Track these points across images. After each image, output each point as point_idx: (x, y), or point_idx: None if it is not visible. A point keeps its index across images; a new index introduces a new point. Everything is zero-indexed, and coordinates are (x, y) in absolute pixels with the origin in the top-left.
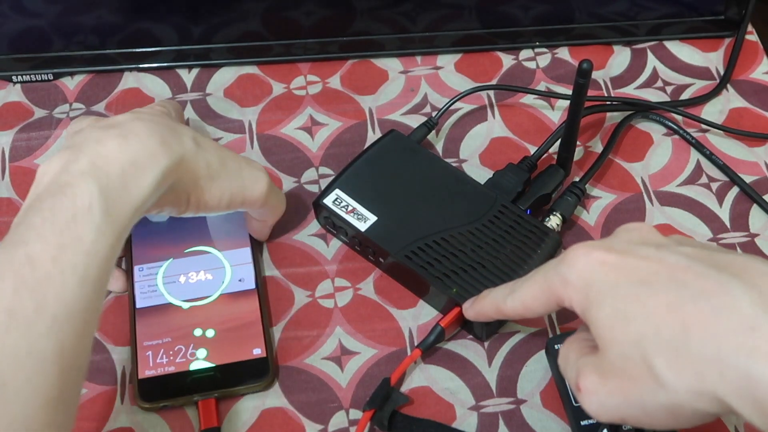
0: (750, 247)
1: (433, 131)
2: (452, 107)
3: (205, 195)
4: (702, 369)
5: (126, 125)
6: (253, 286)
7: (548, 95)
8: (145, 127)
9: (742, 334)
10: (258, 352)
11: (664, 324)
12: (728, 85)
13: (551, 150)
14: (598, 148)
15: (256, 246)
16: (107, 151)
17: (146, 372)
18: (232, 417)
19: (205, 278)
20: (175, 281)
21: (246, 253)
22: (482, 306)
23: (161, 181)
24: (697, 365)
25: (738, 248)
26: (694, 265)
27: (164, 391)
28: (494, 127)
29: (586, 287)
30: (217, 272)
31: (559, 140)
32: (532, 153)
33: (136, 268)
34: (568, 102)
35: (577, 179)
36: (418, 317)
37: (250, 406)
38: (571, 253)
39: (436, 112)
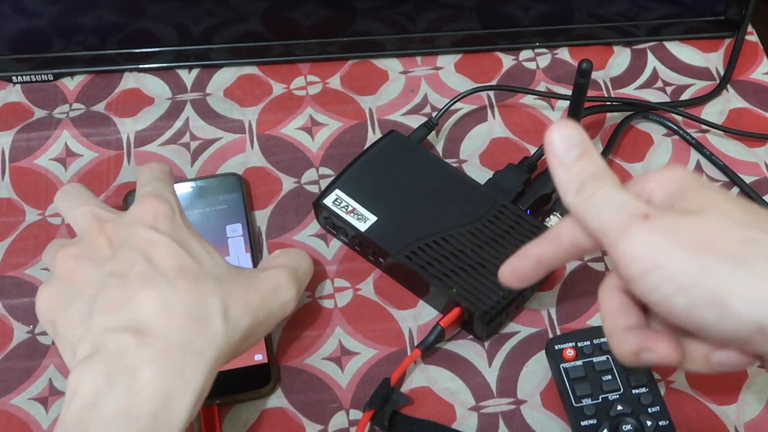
0: None
1: (433, 131)
2: (452, 107)
3: (240, 351)
4: None
5: (147, 322)
6: None
7: (548, 95)
8: (171, 334)
9: None
10: (259, 357)
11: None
12: (728, 86)
13: None
14: (598, 148)
15: (256, 250)
16: (136, 385)
17: None
18: (233, 417)
19: None
20: None
21: (246, 259)
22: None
23: (197, 401)
24: None
25: None
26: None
27: None
28: (494, 127)
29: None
30: None
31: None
32: (532, 153)
33: None
34: (568, 102)
35: None
36: (418, 317)
37: (250, 407)
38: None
39: (436, 113)
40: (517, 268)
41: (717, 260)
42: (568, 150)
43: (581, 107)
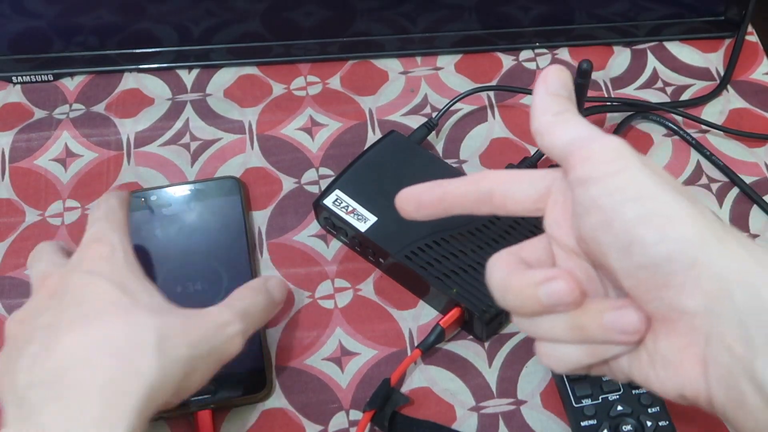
0: None
1: (433, 132)
2: (452, 108)
3: (184, 389)
4: None
5: (66, 369)
6: None
7: None
8: (90, 376)
9: None
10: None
11: None
12: (728, 86)
13: None
14: None
15: (254, 253)
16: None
17: None
18: (233, 418)
19: (202, 288)
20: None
21: (244, 263)
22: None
23: None
24: None
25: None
26: None
27: None
28: (494, 127)
29: None
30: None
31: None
32: (531, 153)
33: None
34: None
35: None
36: (418, 318)
37: (250, 407)
38: None
39: (436, 113)
40: (419, 194)
41: (677, 189)
42: (561, 87)
43: (581, 107)
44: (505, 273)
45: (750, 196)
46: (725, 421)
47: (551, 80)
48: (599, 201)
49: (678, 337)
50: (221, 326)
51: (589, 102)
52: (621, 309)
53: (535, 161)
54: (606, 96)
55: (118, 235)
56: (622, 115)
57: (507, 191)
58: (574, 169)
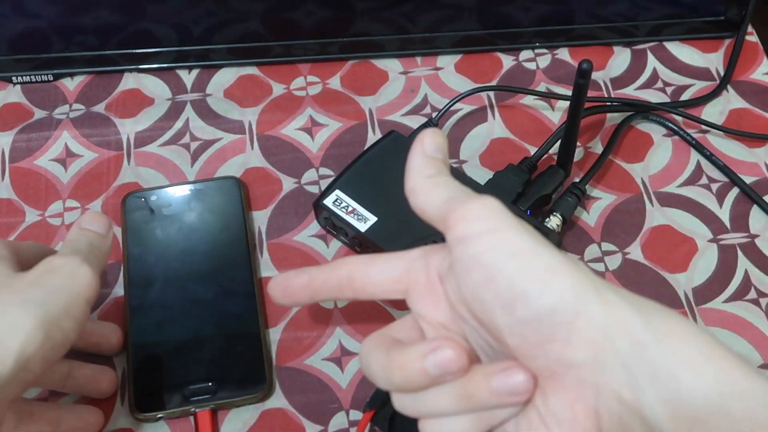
0: (750, 248)
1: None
2: (452, 108)
3: (57, 352)
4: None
5: None
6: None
7: (548, 96)
8: None
9: None
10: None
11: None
12: (728, 86)
13: (551, 151)
14: (598, 148)
15: (254, 253)
16: None
17: (143, 383)
18: (233, 418)
19: (202, 288)
20: (172, 292)
21: (245, 263)
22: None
23: None
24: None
25: (738, 249)
26: None
27: (160, 403)
28: (494, 127)
29: None
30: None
31: (559, 141)
32: (532, 154)
33: (131, 273)
34: (568, 103)
35: (577, 180)
36: None
37: (250, 407)
38: None
39: (437, 113)
40: (285, 280)
41: (552, 247)
42: (437, 150)
43: (581, 108)
44: (386, 352)
45: (750, 196)
46: None
47: (427, 143)
48: (479, 258)
49: (567, 392)
50: (72, 274)
51: (589, 102)
52: (508, 370)
53: (535, 162)
54: (606, 96)
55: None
56: (622, 115)
57: (365, 275)
58: (453, 229)
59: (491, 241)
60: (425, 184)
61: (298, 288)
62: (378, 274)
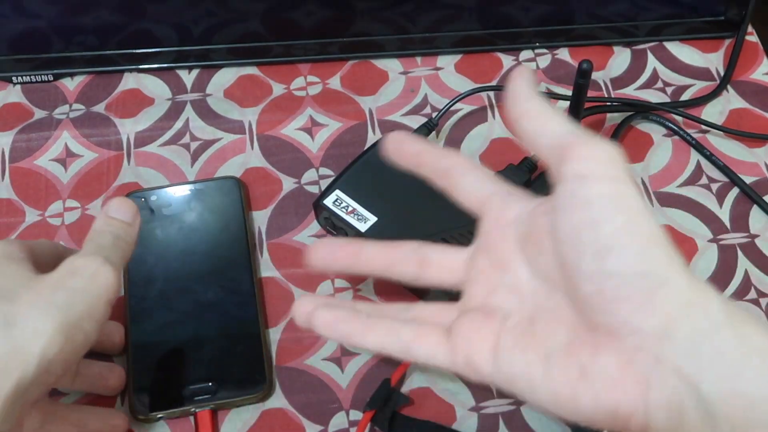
0: (750, 248)
1: (434, 132)
2: (452, 108)
3: (78, 353)
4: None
5: None
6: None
7: (549, 96)
8: None
9: None
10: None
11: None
12: (728, 86)
13: None
14: None
15: (254, 253)
16: None
17: (143, 383)
18: (233, 418)
19: (202, 288)
20: (172, 292)
21: (244, 264)
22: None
23: None
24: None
25: (738, 249)
26: None
27: (160, 403)
28: (494, 127)
29: None
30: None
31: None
32: (532, 154)
33: (131, 273)
34: (568, 103)
35: None
36: None
37: (250, 407)
38: None
39: (437, 113)
40: (404, 141)
41: (652, 211)
42: (534, 85)
43: (581, 108)
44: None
45: (750, 196)
46: None
47: (526, 75)
48: (592, 200)
49: (621, 354)
50: (93, 276)
51: (589, 102)
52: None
53: (535, 162)
54: (606, 96)
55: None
56: (622, 115)
57: (461, 176)
58: (573, 162)
59: (609, 189)
60: (544, 109)
61: (408, 152)
62: (468, 185)
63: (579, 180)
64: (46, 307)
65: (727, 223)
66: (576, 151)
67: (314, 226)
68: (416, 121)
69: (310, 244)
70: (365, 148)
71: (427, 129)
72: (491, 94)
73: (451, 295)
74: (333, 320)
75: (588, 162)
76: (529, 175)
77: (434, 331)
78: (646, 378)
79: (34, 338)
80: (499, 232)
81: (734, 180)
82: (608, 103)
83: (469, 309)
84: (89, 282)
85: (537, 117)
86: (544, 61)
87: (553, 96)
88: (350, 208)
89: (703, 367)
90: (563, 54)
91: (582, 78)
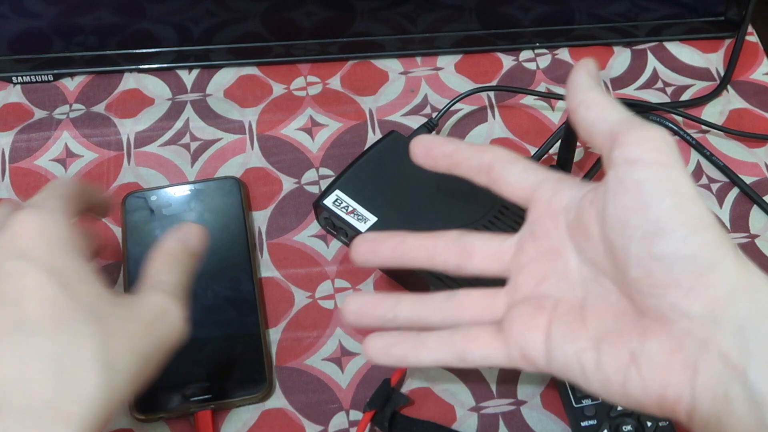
0: (750, 248)
1: (434, 132)
2: (452, 108)
3: (138, 388)
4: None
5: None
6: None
7: (549, 96)
8: (26, 400)
9: None
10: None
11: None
12: (728, 86)
13: (552, 151)
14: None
15: (254, 254)
16: None
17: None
18: (233, 418)
19: (202, 288)
20: None
21: (245, 264)
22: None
23: None
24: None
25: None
26: None
27: (160, 403)
28: (494, 128)
29: None
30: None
31: (559, 141)
32: (532, 154)
33: (131, 273)
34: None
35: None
36: None
37: (250, 407)
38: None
39: (437, 113)
40: (432, 143)
41: (701, 195)
42: (596, 75)
43: None
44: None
45: (750, 196)
46: (704, 429)
47: (590, 65)
48: (642, 184)
49: (670, 340)
50: (163, 314)
51: None
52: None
53: (535, 161)
54: None
55: (59, 201)
56: None
57: (504, 170)
58: (625, 148)
59: (659, 173)
60: (602, 99)
61: (440, 154)
62: (515, 176)
63: (628, 165)
64: (138, 358)
65: (728, 223)
66: (626, 137)
67: (314, 226)
68: (416, 121)
69: (354, 240)
70: (365, 148)
71: (427, 129)
72: (491, 94)
73: None
74: (384, 346)
75: (638, 147)
76: None
77: (484, 332)
78: (694, 363)
79: (124, 385)
80: (549, 219)
81: (734, 180)
82: None
83: (519, 300)
84: (170, 331)
85: (594, 106)
86: (544, 61)
87: (553, 96)
88: (350, 208)
89: (750, 353)
90: (563, 54)
91: None
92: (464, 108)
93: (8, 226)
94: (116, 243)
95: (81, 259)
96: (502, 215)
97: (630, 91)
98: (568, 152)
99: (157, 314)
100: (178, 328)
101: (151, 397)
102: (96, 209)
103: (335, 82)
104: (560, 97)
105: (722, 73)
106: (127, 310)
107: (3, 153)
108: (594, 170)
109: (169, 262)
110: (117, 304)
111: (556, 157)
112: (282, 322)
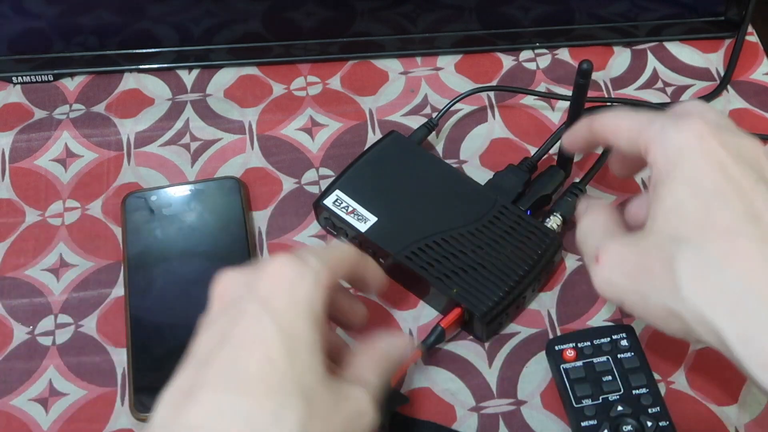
0: None
1: (434, 132)
2: (453, 108)
3: None
4: (717, 301)
5: None
6: None
7: (548, 96)
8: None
9: None
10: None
11: (711, 244)
12: (728, 86)
13: (552, 150)
14: (598, 150)
15: (254, 254)
16: None
17: (143, 383)
18: None
19: (202, 289)
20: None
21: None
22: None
23: None
24: (715, 296)
25: None
26: None
27: None
28: (494, 128)
29: (675, 162)
30: None
31: (559, 141)
32: (532, 153)
33: (131, 273)
34: (568, 103)
35: (577, 180)
36: (418, 318)
37: None
38: (687, 123)
39: (437, 113)
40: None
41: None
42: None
43: (581, 108)
44: None
45: None
46: None
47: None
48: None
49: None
50: (361, 415)
51: (589, 102)
52: None
53: (535, 162)
54: (606, 97)
55: (326, 264)
56: None
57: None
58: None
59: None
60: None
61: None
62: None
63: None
64: None
65: None
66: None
67: (314, 227)
68: (416, 122)
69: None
70: (365, 148)
71: (427, 129)
72: (491, 94)
73: (451, 295)
74: None
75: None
76: (529, 175)
77: None
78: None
79: None
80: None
81: None
82: (608, 104)
83: None
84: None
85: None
86: (544, 61)
87: (553, 96)
88: (350, 208)
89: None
90: (563, 54)
91: (582, 78)
92: (464, 108)
93: (266, 264)
94: (116, 243)
95: (315, 327)
96: (502, 215)
97: (630, 91)
98: (567, 153)
99: (357, 413)
100: (369, 429)
101: (151, 397)
102: (364, 283)
103: (335, 82)
104: (560, 97)
105: (722, 73)
106: (333, 396)
107: (3, 153)
108: (594, 170)
109: (380, 364)
110: (327, 386)
111: (556, 157)
112: None
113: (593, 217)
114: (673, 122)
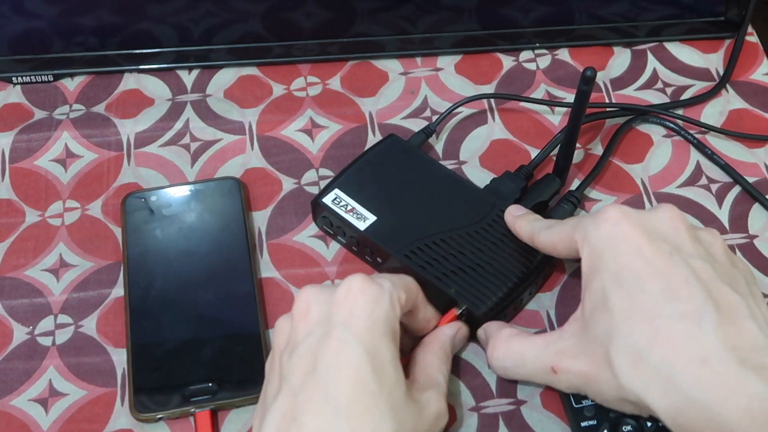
0: (749, 249)
1: (434, 135)
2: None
3: None
4: (650, 384)
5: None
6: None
7: (549, 104)
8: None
9: (695, 363)
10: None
11: (637, 330)
12: (728, 86)
13: (552, 153)
14: (599, 149)
15: (254, 254)
16: None
17: (143, 383)
18: (233, 417)
19: (202, 289)
20: (172, 293)
21: (245, 264)
22: (521, 227)
23: None
24: (648, 379)
25: (737, 250)
26: (693, 284)
27: (160, 403)
28: (495, 130)
29: (600, 255)
30: None
31: (559, 146)
32: (532, 155)
33: (131, 273)
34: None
35: (573, 188)
36: None
37: (250, 407)
38: (603, 215)
39: (436, 117)
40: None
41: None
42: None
43: (582, 114)
44: None
45: (752, 194)
46: None
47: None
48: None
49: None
50: (439, 417)
51: (589, 108)
52: None
53: (532, 169)
54: (606, 97)
55: (398, 291)
56: (622, 118)
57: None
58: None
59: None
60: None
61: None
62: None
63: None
64: None
65: (726, 224)
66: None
67: (314, 227)
68: (416, 125)
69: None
70: (365, 149)
71: (426, 135)
72: None
73: (450, 294)
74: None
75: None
76: (526, 182)
77: None
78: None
79: None
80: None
81: (736, 179)
82: (607, 110)
83: None
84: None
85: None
86: (545, 61)
87: (554, 104)
88: (349, 207)
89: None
90: (563, 54)
91: (585, 85)
92: (464, 110)
93: (345, 286)
94: (116, 243)
95: (394, 344)
96: (500, 218)
97: (630, 92)
98: (565, 160)
99: (436, 417)
100: (442, 430)
101: (151, 397)
102: (415, 326)
103: (335, 83)
104: (561, 104)
105: (722, 73)
106: (417, 406)
107: (3, 153)
108: (594, 173)
109: (444, 359)
110: (410, 398)
111: (555, 159)
112: None
113: (506, 345)
114: (591, 220)
